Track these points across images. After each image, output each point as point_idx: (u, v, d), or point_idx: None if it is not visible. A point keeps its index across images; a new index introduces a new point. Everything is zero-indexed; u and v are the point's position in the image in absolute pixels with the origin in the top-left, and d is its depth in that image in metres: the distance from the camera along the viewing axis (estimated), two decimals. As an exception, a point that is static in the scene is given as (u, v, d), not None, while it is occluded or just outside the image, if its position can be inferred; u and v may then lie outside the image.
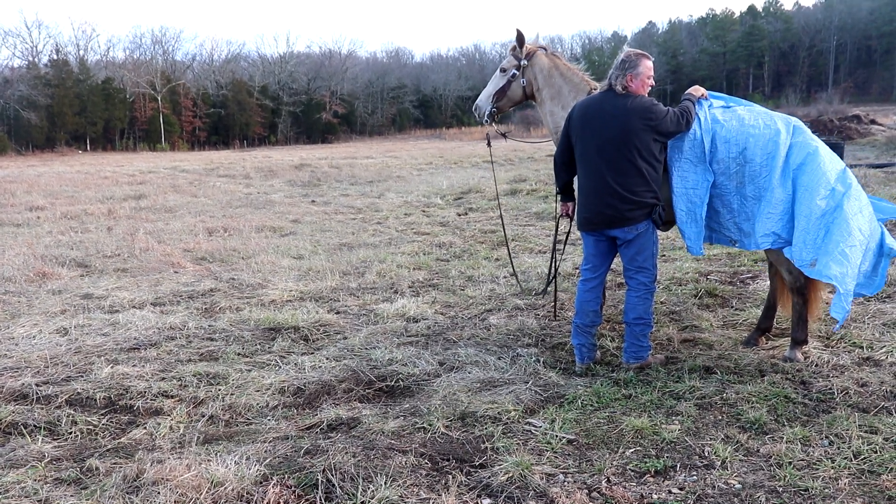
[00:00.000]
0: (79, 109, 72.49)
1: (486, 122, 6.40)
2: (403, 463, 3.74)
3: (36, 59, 79.54)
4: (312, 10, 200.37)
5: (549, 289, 6.68)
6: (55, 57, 78.85)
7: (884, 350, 5.11)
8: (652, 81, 5.05)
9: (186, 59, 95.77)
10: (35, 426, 4.46)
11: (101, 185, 23.03)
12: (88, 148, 72.24)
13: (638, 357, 5.14)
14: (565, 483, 3.57)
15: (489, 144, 6.95)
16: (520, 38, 6.22)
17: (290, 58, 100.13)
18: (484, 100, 6.40)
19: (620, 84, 4.96)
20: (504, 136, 6.88)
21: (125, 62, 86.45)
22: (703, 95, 5.23)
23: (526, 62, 6.22)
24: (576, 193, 5.47)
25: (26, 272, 9.14)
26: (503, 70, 6.38)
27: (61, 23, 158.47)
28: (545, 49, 6.37)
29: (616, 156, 4.90)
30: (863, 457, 3.63)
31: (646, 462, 3.74)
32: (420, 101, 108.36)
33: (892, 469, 3.49)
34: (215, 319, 6.87)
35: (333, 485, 3.48)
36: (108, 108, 75.43)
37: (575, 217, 5.49)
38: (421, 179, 23.61)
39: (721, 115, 5.08)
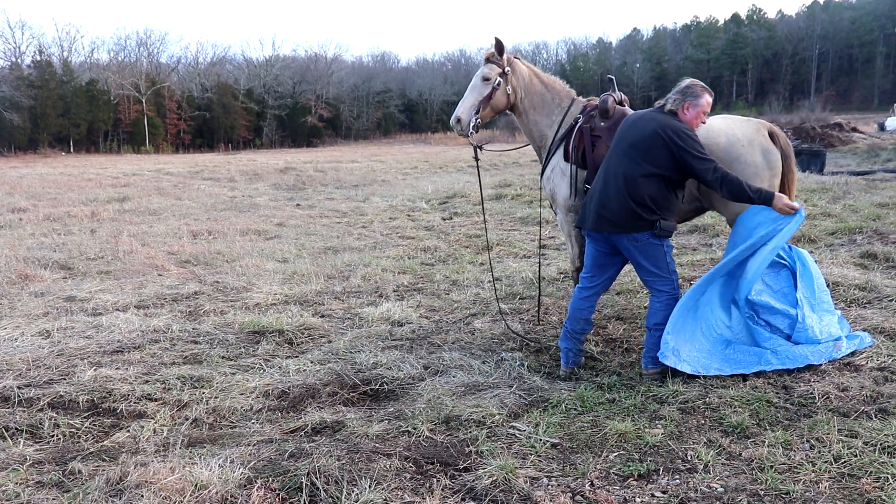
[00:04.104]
0: (62, 111, 72.03)
1: (471, 133, 6.07)
2: (388, 466, 3.74)
3: (19, 60, 78.97)
4: (298, 13, 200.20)
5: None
6: (38, 58, 78.31)
7: (864, 356, 5.15)
8: (705, 119, 4.97)
9: (171, 62, 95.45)
10: (17, 429, 4.42)
11: (85, 188, 22.88)
12: (72, 150, 71.79)
13: (656, 363, 5.06)
14: (549, 486, 3.58)
15: (477, 158, 6.42)
16: (499, 46, 6.09)
17: (275, 61, 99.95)
18: (467, 111, 6.06)
19: (675, 107, 4.89)
20: (480, 147, 6.50)
21: (109, 64, 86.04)
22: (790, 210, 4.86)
23: (509, 69, 6.14)
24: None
25: (8, 274, 9.07)
26: (486, 79, 6.10)
27: (45, 24, 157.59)
28: (518, 58, 6.34)
29: (636, 161, 4.83)
30: (843, 460, 3.67)
31: (629, 466, 3.76)
32: (405, 106, 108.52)
33: (871, 472, 3.53)
34: (199, 322, 6.84)
35: (318, 488, 3.48)
36: (92, 109, 75.04)
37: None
38: (406, 184, 23.61)
39: None
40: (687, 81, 5.00)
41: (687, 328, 4.99)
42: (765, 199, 4.78)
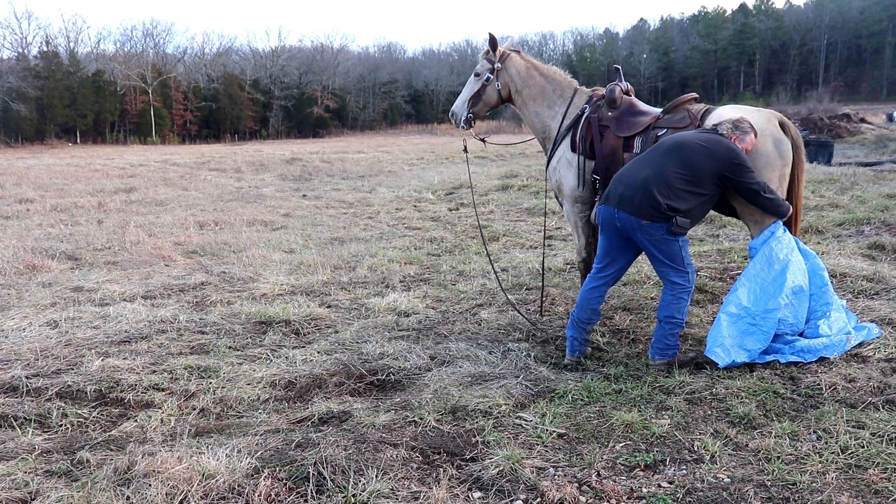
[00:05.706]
0: (69, 102, 72.02)
1: (464, 127, 6.38)
2: (394, 456, 3.75)
3: (26, 51, 78.87)
4: (304, 3, 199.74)
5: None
6: (45, 49, 78.14)
7: (871, 346, 5.14)
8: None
9: (177, 53, 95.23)
10: (25, 418, 4.45)
11: (92, 178, 22.90)
12: (78, 140, 71.74)
13: (663, 354, 5.05)
14: (556, 477, 3.58)
15: (466, 150, 6.82)
16: (492, 42, 6.21)
17: (281, 52, 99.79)
18: (460, 106, 6.38)
19: (727, 134, 5.00)
20: (483, 140, 6.88)
21: (116, 55, 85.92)
22: None
23: (500, 65, 6.20)
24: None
25: (16, 265, 9.10)
26: (477, 74, 6.34)
27: (51, 14, 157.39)
28: (518, 52, 6.38)
29: (679, 160, 4.84)
30: (850, 451, 3.66)
31: (636, 456, 3.76)
32: (412, 97, 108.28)
33: (878, 463, 3.52)
34: (206, 313, 6.86)
35: (324, 477, 3.49)
36: (99, 100, 75.00)
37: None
38: (412, 174, 23.60)
39: None
40: (738, 115, 5.17)
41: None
42: (785, 211, 5.07)
